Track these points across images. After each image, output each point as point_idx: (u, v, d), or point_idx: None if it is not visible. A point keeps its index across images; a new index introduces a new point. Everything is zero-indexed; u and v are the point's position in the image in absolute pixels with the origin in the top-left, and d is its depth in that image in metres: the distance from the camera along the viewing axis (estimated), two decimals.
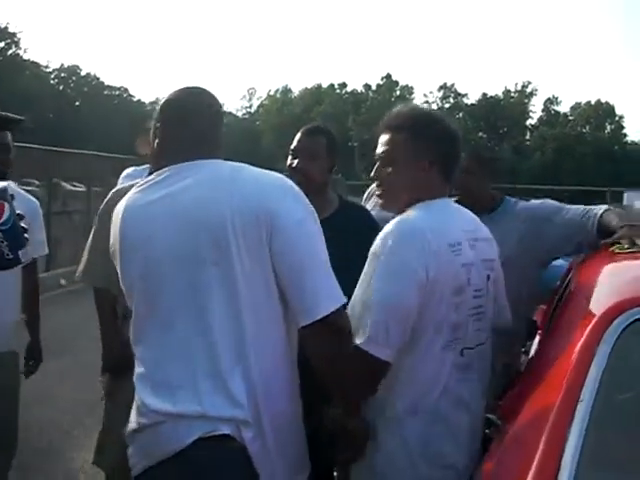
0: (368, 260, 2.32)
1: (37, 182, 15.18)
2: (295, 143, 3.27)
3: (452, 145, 2.50)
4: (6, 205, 2.05)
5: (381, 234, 2.31)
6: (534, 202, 3.44)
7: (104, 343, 3.55)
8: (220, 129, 2.35)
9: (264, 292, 2.12)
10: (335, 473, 2.97)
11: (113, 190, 3.62)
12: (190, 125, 2.26)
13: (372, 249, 2.30)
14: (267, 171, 2.26)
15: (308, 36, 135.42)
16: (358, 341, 2.18)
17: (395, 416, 2.28)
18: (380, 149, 2.51)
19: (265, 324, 2.13)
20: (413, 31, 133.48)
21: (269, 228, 2.08)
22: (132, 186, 3.13)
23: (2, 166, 3.70)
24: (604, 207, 3.13)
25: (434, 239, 2.25)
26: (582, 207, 3.22)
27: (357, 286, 2.33)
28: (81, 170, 16.62)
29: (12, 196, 2.12)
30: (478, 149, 3.59)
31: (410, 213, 2.36)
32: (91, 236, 3.59)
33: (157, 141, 2.31)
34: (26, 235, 2.13)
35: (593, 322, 1.92)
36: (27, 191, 4.23)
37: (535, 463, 1.54)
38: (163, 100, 2.34)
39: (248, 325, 2.09)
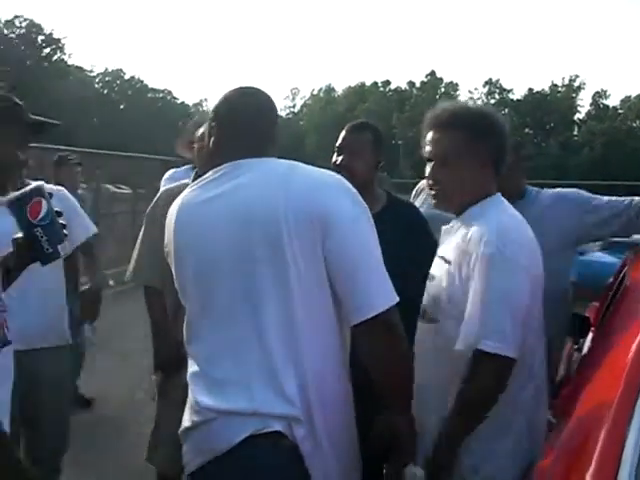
0: (457, 259, 2.32)
1: (84, 185, 15.40)
2: (340, 140, 3.26)
3: (505, 142, 2.49)
4: (44, 202, 2.11)
5: (483, 234, 2.28)
6: (562, 189, 3.47)
7: (155, 342, 3.57)
8: (274, 127, 2.34)
9: (317, 291, 2.10)
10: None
11: (162, 189, 3.65)
12: (244, 124, 2.26)
13: (468, 248, 2.29)
14: (321, 169, 2.25)
15: (351, 34, 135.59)
16: (485, 345, 2.19)
17: (525, 400, 2.32)
18: (435, 148, 2.46)
19: (318, 323, 2.12)
20: (457, 27, 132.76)
21: (323, 226, 2.07)
22: (182, 186, 3.15)
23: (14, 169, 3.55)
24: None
25: (533, 237, 2.33)
26: (614, 197, 3.29)
27: (432, 285, 2.37)
28: (126, 172, 16.77)
29: (50, 194, 2.16)
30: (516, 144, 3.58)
31: (502, 211, 2.39)
32: (141, 236, 3.61)
33: (212, 140, 2.31)
34: (65, 231, 2.17)
35: None
36: (74, 194, 4.21)
37: (594, 460, 1.50)
38: (218, 100, 2.35)
39: (301, 323, 2.08)
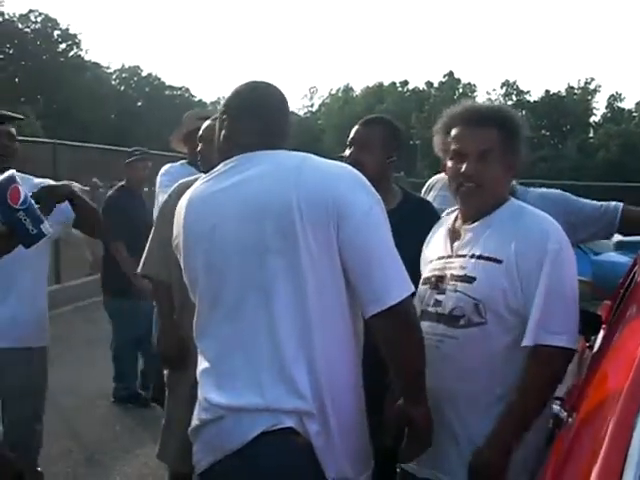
0: (513, 258, 2.32)
1: (99, 182, 15.40)
2: (352, 134, 3.26)
3: (525, 146, 2.52)
4: (20, 187, 2.18)
5: (545, 231, 2.35)
6: (546, 190, 3.47)
7: (163, 336, 3.58)
8: (286, 121, 2.35)
9: (331, 282, 2.10)
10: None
11: (177, 184, 3.66)
12: (255, 117, 2.27)
13: (528, 245, 2.32)
14: (333, 161, 2.26)
15: (370, 34, 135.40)
16: (559, 340, 2.25)
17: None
18: (471, 143, 2.43)
19: (331, 314, 2.11)
20: (475, 28, 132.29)
21: (336, 217, 2.06)
22: (194, 180, 3.24)
23: (4, 156, 3.54)
24: (620, 203, 3.26)
25: None
26: (594, 201, 3.33)
27: (473, 287, 2.36)
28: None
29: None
30: None
31: (536, 210, 2.45)
32: (153, 230, 3.65)
33: (223, 133, 2.32)
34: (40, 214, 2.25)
35: None
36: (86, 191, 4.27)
37: (601, 456, 1.49)
38: (229, 94, 2.36)
39: (313, 315, 2.07)
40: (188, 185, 3.43)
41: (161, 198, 4.37)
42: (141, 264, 3.65)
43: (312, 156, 2.22)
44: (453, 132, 2.48)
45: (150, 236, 3.66)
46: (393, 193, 3.24)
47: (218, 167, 2.27)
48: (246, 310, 2.11)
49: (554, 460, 1.86)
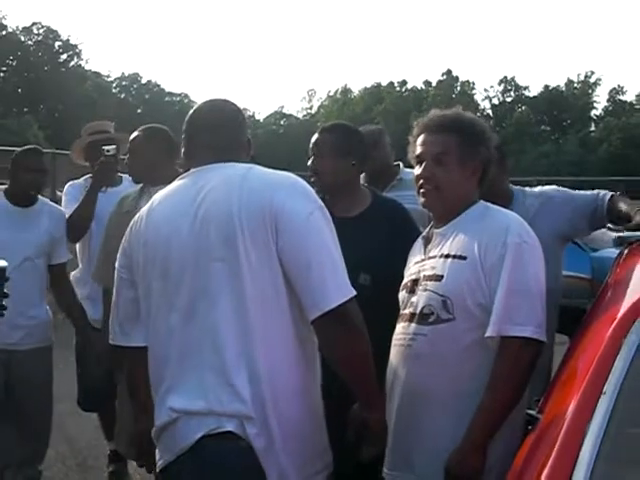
0: (477, 253, 2.37)
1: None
2: (310, 143, 3.29)
3: (492, 155, 2.60)
4: None
5: (507, 225, 2.41)
6: (544, 188, 3.48)
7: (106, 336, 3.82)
8: (239, 135, 2.44)
9: (272, 289, 2.16)
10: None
11: (121, 196, 3.94)
12: (210, 133, 2.38)
13: (490, 240, 2.37)
14: (277, 171, 2.33)
15: (367, 35, 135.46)
16: (522, 331, 2.27)
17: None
18: (428, 148, 2.53)
19: (272, 319, 2.17)
20: (471, 25, 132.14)
21: (274, 224, 2.13)
22: (136, 192, 3.72)
23: (36, 190, 4.14)
24: (609, 192, 3.25)
25: None
26: (583, 192, 3.35)
27: (441, 284, 2.40)
28: None
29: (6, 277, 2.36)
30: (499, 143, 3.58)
31: (502, 209, 2.55)
32: (103, 239, 3.84)
33: (183, 150, 2.45)
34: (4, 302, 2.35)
35: (620, 314, 1.88)
36: None
37: (552, 458, 1.50)
38: (190, 112, 2.49)
39: (254, 320, 2.13)
40: (129, 197, 3.78)
41: (67, 215, 4.44)
42: (93, 272, 3.97)
43: (257, 167, 2.31)
44: (417, 140, 2.59)
45: (100, 246, 3.88)
46: (361, 197, 3.23)
47: (175, 181, 2.40)
48: (197, 316, 2.19)
49: (516, 464, 1.86)
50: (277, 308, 2.17)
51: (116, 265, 2.42)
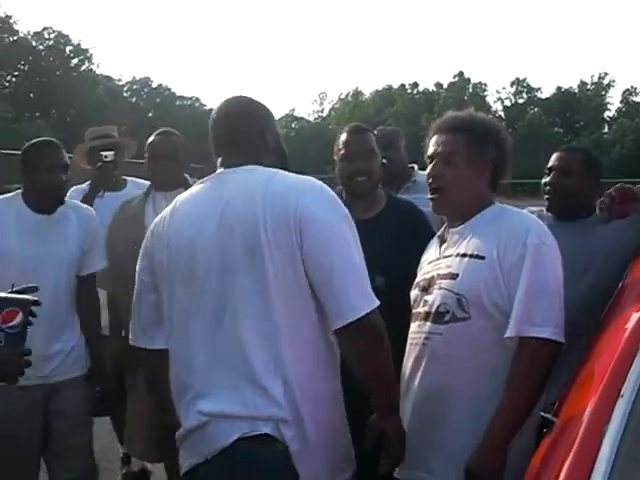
0: (496, 253, 2.37)
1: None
2: (345, 145, 3.27)
3: (506, 156, 2.60)
4: (20, 315, 2.11)
5: (527, 226, 2.40)
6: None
7: (115, 340, 3.85)
8: (265, 135, 2.39)
9: (297, 296, 2.15)
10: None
11: (123, 201, 3.96)
12: (234, 134, 2.36)
13: (509, 241, 2.37)
14: (301, 176, 2.30)
15: (378, 38, 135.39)
16: (541, 332, 2.26)
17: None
18: (437, 147, 2.56)
19: (298, 324, 2.16)
20: (483, 26, 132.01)
21: (299, 230, 2.11)
22: (137, 197, 3.80)
23: (61, 190, 3.56)
24: None
25: None
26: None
27: (456, 283, 2.40)
28: None
29: (36, 302, 2.15)
30: (586, 150, 3.58)
31: (522, 211, 2.58)
32: (106, 244, 3.77)
33: (213, 149, 2.42)
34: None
35: (637, 317, 1.87)
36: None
37: (569, 460, 1.50)
38: (215, 111, 2.44)
39: (281, 326, 2.12)
40: (132, 201, 3.84)
41: None
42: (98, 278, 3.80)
43: (280, 172, 2.27)
44: (431, 140, 2.61)
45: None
46: (378, 198, 3.27)
47: (197, 183, 2.37)
48: (223, 321, 2.17)
49: (532, 465, 1.86)
50: (303, 312, 2.17)
51: (136, 269, 2.40)
